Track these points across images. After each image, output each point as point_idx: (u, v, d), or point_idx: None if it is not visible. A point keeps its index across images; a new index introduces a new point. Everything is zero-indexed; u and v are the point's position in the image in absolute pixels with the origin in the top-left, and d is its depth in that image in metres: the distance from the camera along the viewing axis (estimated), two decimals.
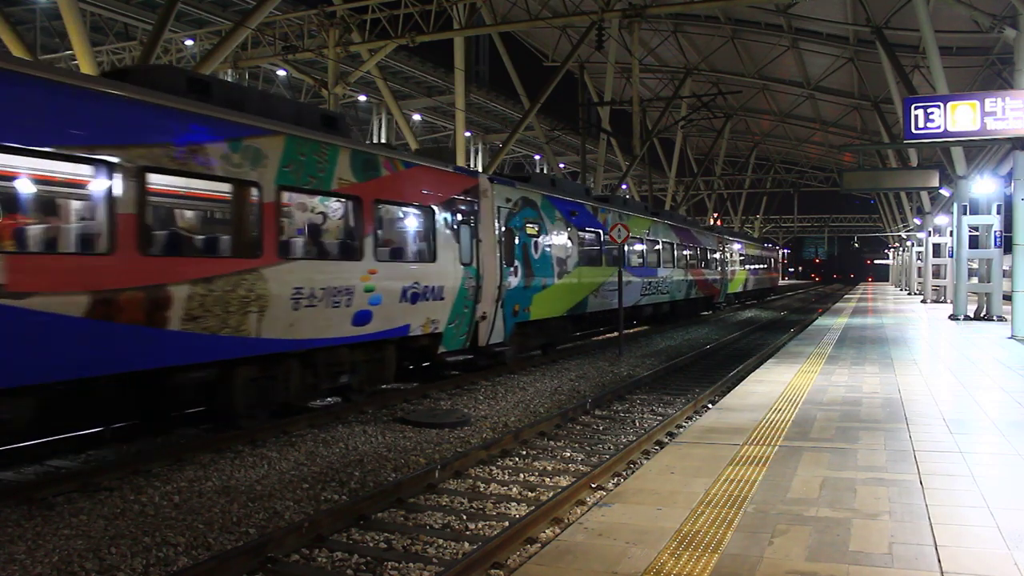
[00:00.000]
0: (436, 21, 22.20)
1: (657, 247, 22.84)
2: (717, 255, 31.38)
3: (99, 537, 5.48)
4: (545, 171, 44.68)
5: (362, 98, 33.53)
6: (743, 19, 29.27)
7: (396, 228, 11.23)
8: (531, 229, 14.37)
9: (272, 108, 9.19)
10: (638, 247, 21.28)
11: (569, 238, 16.19)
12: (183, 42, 27.27)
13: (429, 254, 11.23)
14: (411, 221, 11.35)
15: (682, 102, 36.77)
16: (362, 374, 10.21)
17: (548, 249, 15.05)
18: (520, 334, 14.18)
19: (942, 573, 3.73)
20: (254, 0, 17.05)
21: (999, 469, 5.60)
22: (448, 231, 11.63)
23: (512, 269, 13.52)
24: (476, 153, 42.03)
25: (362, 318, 9.69)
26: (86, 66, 15.55)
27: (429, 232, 11.28)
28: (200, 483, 6.81)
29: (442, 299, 11.35)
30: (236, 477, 7.03)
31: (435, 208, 11.36)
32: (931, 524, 4.39)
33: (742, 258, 38.03)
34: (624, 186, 39.53)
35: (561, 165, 48.19)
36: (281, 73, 29.75)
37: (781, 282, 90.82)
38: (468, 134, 37.21)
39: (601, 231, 18.12)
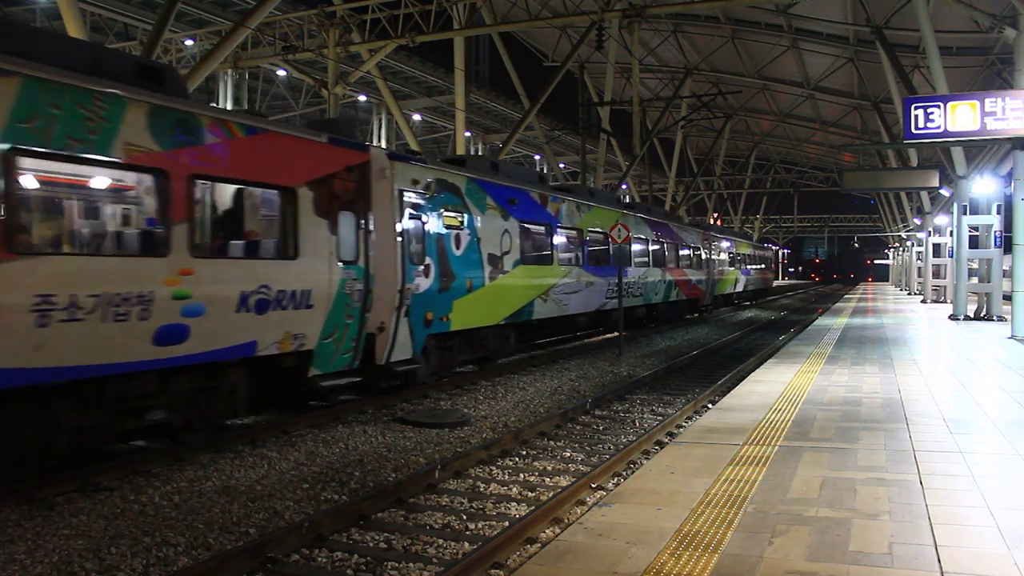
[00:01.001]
0: (436, 21, 22.22)
1: (639, 247, 20.68)
2: (702, 253, 28.73)
3: (99, 537, 5.48)
4: (545, 171, 44.69)
5: (362, 98, 33.53)
6: (743, 19, 29.27)
7: (230, 214, 8.67)
8: (451, 219, 11.89)
9: (34, 41, 6.71)
10: (603, 243, 18.50)
11: (507, 231, 13.61)
12: (183, 42, 27.26)
13: (287, 249, 8.69)
14: (257, 206, 8.94)
15: (682, 102, 36.78)
16: (187, 408, 7.87)
17: (476, 244, 12.54)
18: (441, 347, 11.94)
19: (942, 573, 3.73)
20: (254, 0, 17.05)
21: (999, 469, 5.60)
22: (319, 220, 9.05)
23: (421, 268, 10.96)
24: (476, 153, 42.04)
25: (171, 335, 7.20)
26: None
27: (287, 221, 8.70)
28: (200, 483, 6.81)
29: (309, 307, 8.84)
30: (236, 477, 7.03)
31: (298, 190, 8.77)
32: (931, 524, 4.39)
33: (732, 257, 35.04)
34: (624, 186, 39.56)
35: (561, 165, 48.22)
36: (281, 73, 29.74)
37: (780, 282, 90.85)
38: (468, 134, 37.23)
39: (552, 224, 15.49)
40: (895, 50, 22.40)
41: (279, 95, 34.16)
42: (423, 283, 11.03)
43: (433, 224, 11.39)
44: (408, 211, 10.76)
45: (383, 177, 10.31)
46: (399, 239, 10.46)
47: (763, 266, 46.53)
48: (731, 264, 34.68)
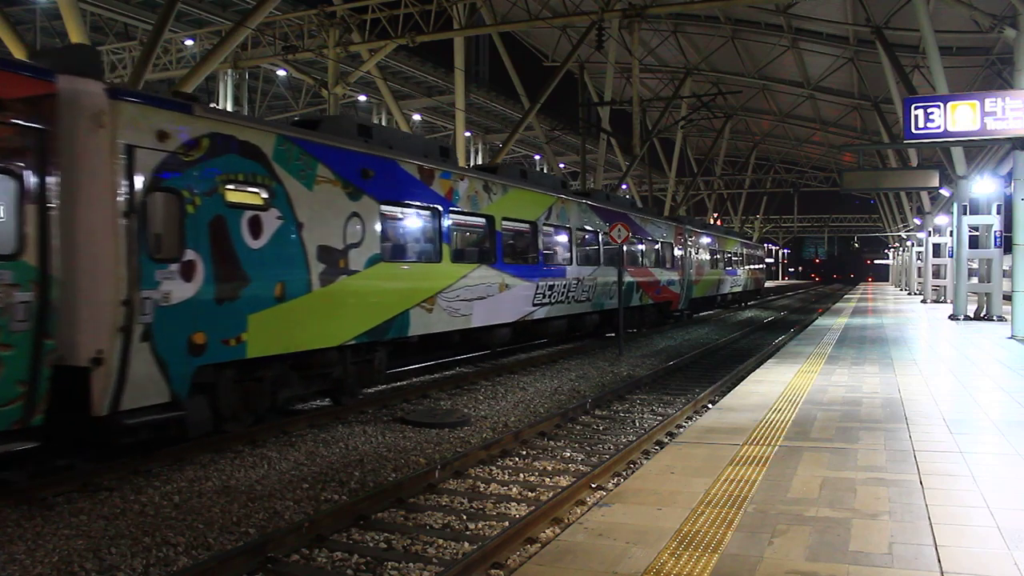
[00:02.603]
0: (436, 21, 22.23)
1: (566, 237, 16.63)
2: (675, 250, 24.73)
3: (99, 537, 5.48)
4: (545, 171, 44.66)
5: (362, 98, 33.55)
6: (743, 19, 29.26)
7: None
8: (245, 195, 8.28)
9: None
10: (526, 236, 14.97)
11: (357, 215, 9.88)
12: (183, 42, 27.26)
13: None
14: None
15: (682, 102, 36.76)
16: None
17: (294, 232, 8.85)
18: (243, 382, 8.40)
19: (942, 573, 3.73)
20: (254, 0, 17.05)
21: (999, 469, 5.60)
22: None
23: (176, 267, 7.41)
24: (476, 153, 42.06)
25: None
26: None
27: None
28: (200, 483, 6.82)
29: None
30: (236, 477, 7.03)
31: None
32: (931, 524, 4.39)
33: (714, 255, 31.11)
34: (624, 186, 39.55)
35: (561, 165, 48.21)
36: (281, 73, 29.75)
37: (780, 282, 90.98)
38: (468, 134, 37.23)
39: (441, 207, 11.79)
40: (895, 50, 22.40)
41: (279, 95, 34.19)
42: (180, 289, 7.43)
43: (204, 201, 7.67)
44: (147, 179, 7.18)
45: (97, 125, 6.91)
46: (124, 221, 6.95)
47: (753, 266, 42.48)
48: (714, 263, 31.02)
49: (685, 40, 33.14)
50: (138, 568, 5.02)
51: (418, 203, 11.48)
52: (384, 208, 10.56)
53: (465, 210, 12.56)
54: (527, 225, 14.81)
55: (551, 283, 15.36)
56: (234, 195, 8.13)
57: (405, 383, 12.32)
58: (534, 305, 14.73)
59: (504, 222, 13.73)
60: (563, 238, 16.53)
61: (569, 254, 16.58)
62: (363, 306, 10.08)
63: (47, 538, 5.45)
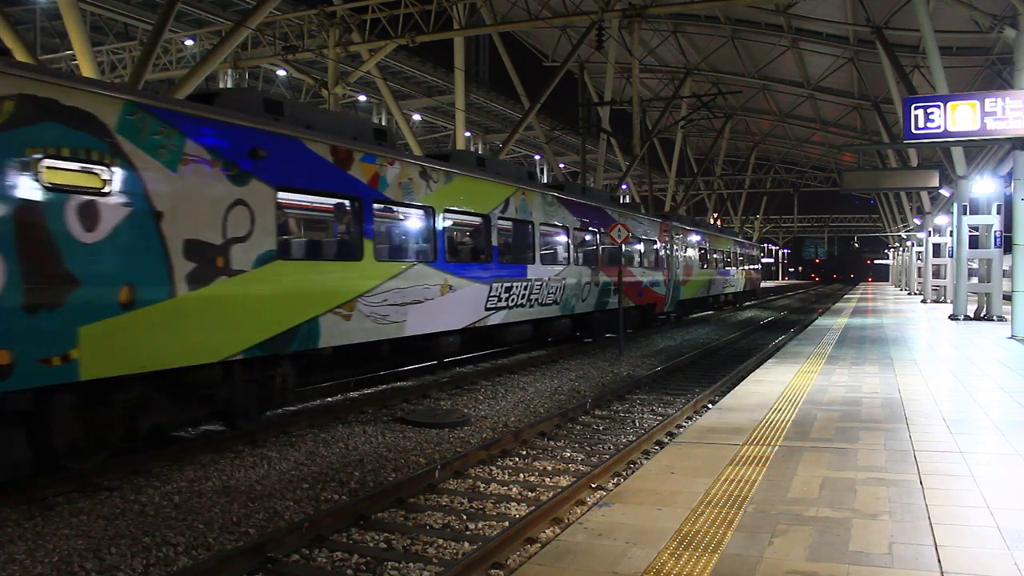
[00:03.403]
0: (436, 21, 22.25)
1: (528, 233, 14.70)
2: (660, 248, 22.72)
3: (99, 537, 5.48)
4: (545, 171, 44.66)
5: (362, 98, 33.56)
6: (743, 19, 29.28)
7: None
8: (71, 176, 6.52)
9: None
10: (477, 231, 13.42)
11: (243, 203, 8.14)
12: (183, 42, 27.29)
13: None
14: None
15: (682, 102, 36.78)
16: None
17: (148, 223, 7.14)
18: (72, 410, 6.69)
19: (942, 573, 3.73)
20: (254, 0, 17.05)
21: (999, 469, 5.60)
22: None
23: None
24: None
25: None
26: (86, 67, 15.56)
27: None
28: (200, 483, 6.82)
29: None
30: (236, 477, 7.03)
31: None
32: (931, 524, 4.39)
33: (704, 254, 29.31)
34: (624, 186, 39.56)
35: (561, 165, 48.22)
36: (281, 73, 29.78)
37: (780, 282, 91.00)
38: (468, 134, 37.24)
39: (363, 196, 9.95)
40: (895, 50, 22.41)
41: (279, 95, 34.15)
42: None
43: (8, 181, 5.99)
44: None
45: None
46: None
47: (748, 265, 40.23)
48: (704, 263, 29.27)
49: (685, 40, 33.16)
50: (138, 568, 5.02)
51: (330, 190, 9.66)
52: (282, 196, 8.78)
53: (395, 200, 10.69)
54: (478, 219, 13.09)
55: (508, 284, 13.62)
56: (56, 175, 6.32)
57: (405, 383, 12.32)
58: (488, 309, 13.01)
59: (447, 215, 11.93)
60: (524, 234, 14.68)
61: (532, 252, 14.68)
62: (252, 313, 8.24)
63: (47, 538, 5.45)
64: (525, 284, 14.25)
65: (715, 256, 31.36)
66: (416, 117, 36.24)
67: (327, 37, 23.34)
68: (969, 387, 9.45)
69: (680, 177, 46.93)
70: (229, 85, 27.88)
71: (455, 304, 12.02)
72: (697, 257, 28.01)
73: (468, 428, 9.25)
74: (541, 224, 15.08)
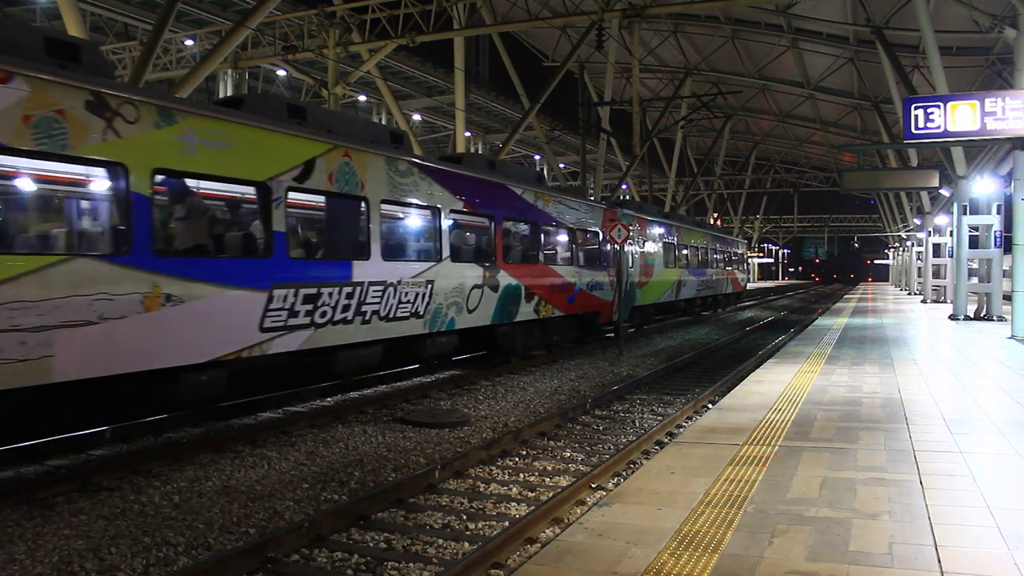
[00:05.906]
0: (436, 21, 22.25)
1: (356, 213, 10.25)
2: (604, 243, 18.23)
3: (99, 537, 5.48)
4: (545, 172, 44.56)
5: (362, 98, 33.57)
6: (743, 19, 29.30)
7: None
8: None
9: None
10: (241, 210, 9.37)
11: None
12: (183, 42, 27.28)
13: None
14: None
15: (682, 102, 36.80)
16: None
17: None
18: None
19: (942, 573, 3.73)
20: (254, 0, 17.05)
21: (999, 469, 5.60)
22: None
23: None
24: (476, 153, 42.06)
25: None
26: None
27: None
28: (200, 483, 6.81)
29: None
30: (236, 477, 7.03)
31: None
32: (931, 524, 4.39)
33: (671, 250, 24.67)
34: (624, 186, 39.57)
35: (561, 165, 48.19)
36: (281, 73, 29.77)
37: (780, 282, 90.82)
38: (468, 134, 37.25)
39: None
40: (895, 50, 22.41)
41: (279, 95, 34.20)
42: None
43: None
44: None
45: None
46: None
47: (729, 264, 34.66)
48: (671, 261, 24.54)
49: (685, 40, 33.18)
50: (138, 568, 5.02)
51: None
52: None
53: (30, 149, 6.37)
54: (244, 187, 8.74)
55: (312, 291, 9.15)
56: None
57: (405, 383, 12.32)
58: (267, 330, 8.56)
59: (162, 182, 7.69)
60: (349, 216, 10.36)
61: (365, 242, 10.24)
62: None
63: (47, 538, 5.45)
64: (351, 289, 9.81)
65: (685, 252, 26.64)
66: (416, 117, 36.24)
67: (327, 37, 23.34)
68: (969, 387, 9.45)
69: (680, 177, 46.94)
70: (229, 85, 27.89)
71: (185, 323, 7.59)
72: (660, 254, 23.33)
73: (468, 428, 9.25)
74: (384, 202, 10.61)
